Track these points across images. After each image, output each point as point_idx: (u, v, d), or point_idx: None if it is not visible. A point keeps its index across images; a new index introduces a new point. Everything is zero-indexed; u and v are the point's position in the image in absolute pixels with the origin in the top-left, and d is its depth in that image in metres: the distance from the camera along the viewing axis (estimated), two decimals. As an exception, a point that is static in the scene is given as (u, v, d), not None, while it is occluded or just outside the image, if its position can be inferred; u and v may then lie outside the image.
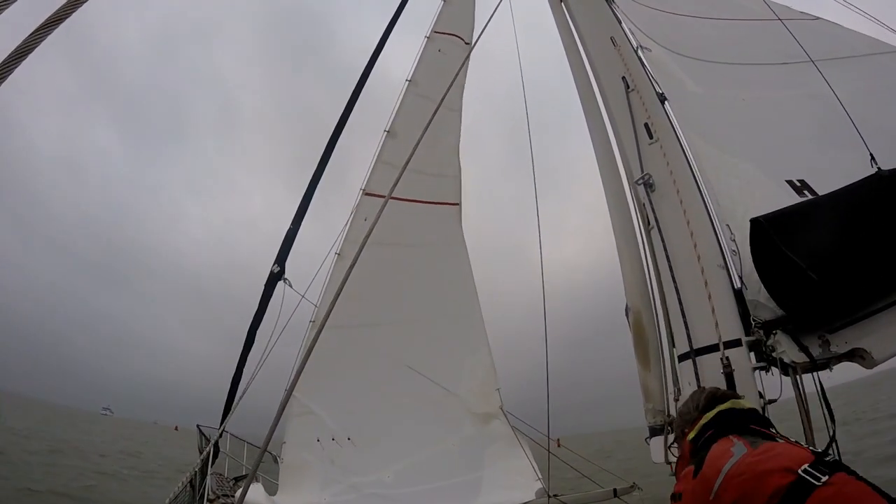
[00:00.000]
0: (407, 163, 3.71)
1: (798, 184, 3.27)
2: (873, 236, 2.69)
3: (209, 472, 8.07)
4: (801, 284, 2.66)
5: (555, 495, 6.32)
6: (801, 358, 2.62)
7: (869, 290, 2.65)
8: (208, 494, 7.79)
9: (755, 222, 2.80)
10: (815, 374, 2.68)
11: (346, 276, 2.99)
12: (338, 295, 2.78)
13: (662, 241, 3.11)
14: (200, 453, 8.30)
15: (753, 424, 2.27)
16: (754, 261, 2.83)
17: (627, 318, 3.46)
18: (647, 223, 3.39)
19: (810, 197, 3.16)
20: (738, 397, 2.29)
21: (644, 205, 3.46)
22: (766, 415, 2.50)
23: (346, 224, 8.97)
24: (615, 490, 7.15)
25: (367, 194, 9.11)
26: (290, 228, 8.65)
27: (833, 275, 2.66)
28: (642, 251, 3.53)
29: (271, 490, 8.32)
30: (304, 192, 8.66)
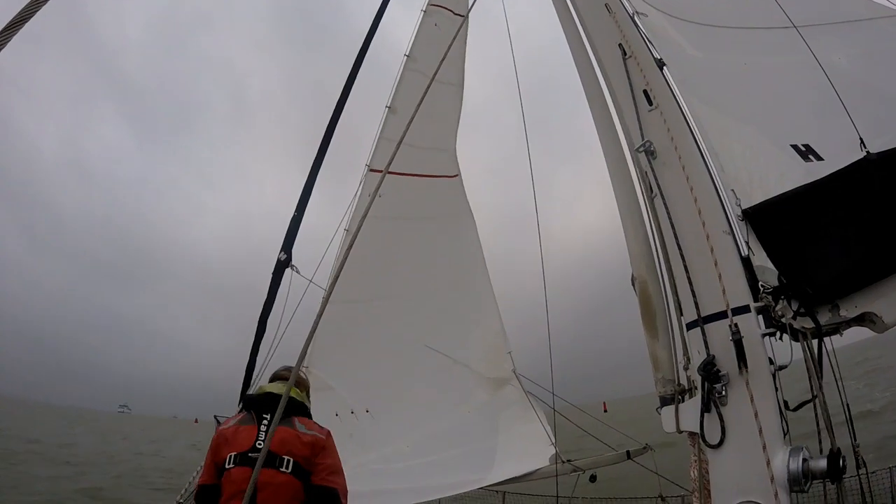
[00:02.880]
0: (402, 138, 3.71)
1: (803, 148, 3.25)
2: (868, 221, 2.71)
3: None
4: (803, 263, 2.68)
5: (568, 460, 6.41)
6: (809, 323, 2.63)
7: (869, 267, 2.66)
8: None
9: (748, 213, 2.83)
10: (817, 339, 2.69)
11: (348, 248, 3.02)
12: (341, 266, 2.80)
13: (666, 208, 3.10)
14: None
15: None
16: (759, 240, 2.83)
17: (634, 287, 3.48)
18: (649, 191, 3.37)
19: (815, 161, 3.15)
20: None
21: (646, 173, 3.43)
22: (777, 381, 2.53)
23: (353, 201, 8.99)
24: (628, 452, 7.23)
25: (372, 170, 9.12)
26: (294, 215, 8.67)
27: (830, 256, 2.68)
28: (646, 220, 3.53)
29: None
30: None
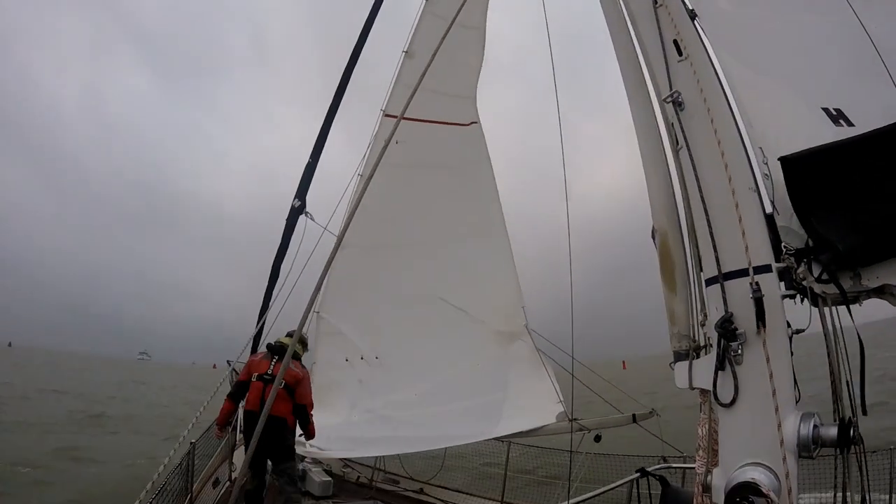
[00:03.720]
0: (418, 83, 3.59)
1: (834, 112, 3.11)
2: None
3: (240, 405, 8.39)
4: (829, 226, 2.58)
5: (575, 419, 6.45)
6: (830, 289, 2.55)
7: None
8: (240, 426, 8.12)
9: (785, 161, 2.71)
10: (831, 308, 2.61)
11: (360, 194, 2.96)
12: (353, 212, 2.74)
13: (692, 161, 2.98)
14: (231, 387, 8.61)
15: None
16: (789, 195, 2.72)
17: (654, 240, 3.40)
18: (675, 143, 3.25)
19: (846, 126, 3.02)
20: None
21: (672, 124, 3.31)
22: (791, 345, 2.48)
23: (368, 147, 8.92)
24: (634, 416, 7.27)
25: (388, 116, 9.01)
26: (308, 162, 8.64)
27: (858, 221, 2.58)
28: (670, 172, 3.43)
29: None
30: (328, 125, 8.62)
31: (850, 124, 3.06)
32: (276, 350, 6.58)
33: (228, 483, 7.68)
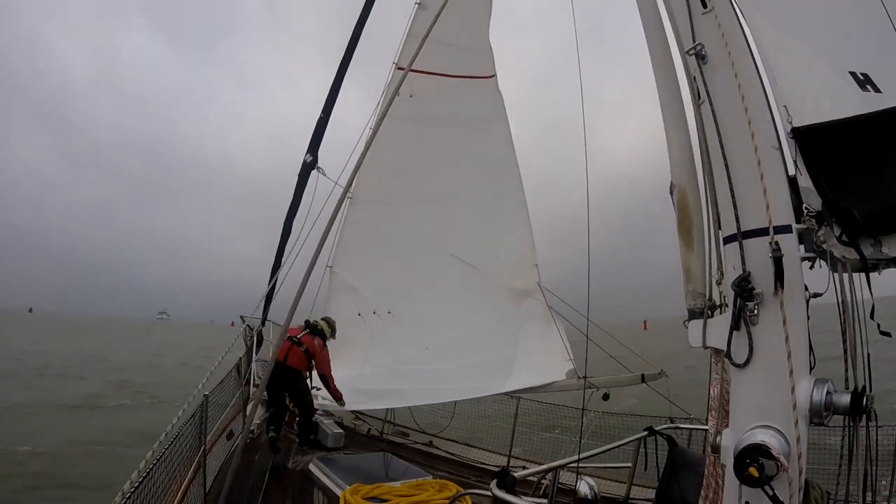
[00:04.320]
0: (427, 34, 3.49)
1: (861, 77, 2.98)
2: None
3: (254, 359, 8.49)
4: (852, 191, 2.50)
5: (584, 377, 6.46)
6: (850, 254, 2.48)
7: None
8: (254, 380, 8.25)
9: (797, 132, 2.61)
10: (850, 275, 2.55)
11: (367, 146, 2.89)
12: (359, 163, 2.68)
13: (714, 115, 2.88)
14: (246, 343, 8.71)
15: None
16: (805, 165, 2.64)
17: (672, 196, 3.32)
18: (696, 97, 3.14)
19: (872, 92, 2.90)
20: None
21: (694, 78, 3.19)
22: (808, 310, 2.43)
23: (380, 100, 8.78)
24: (643, 376, 7.29)
25: (399, 69, 8.83)
26: (320, 117, 8.54)
27: (884, 188, 2.49)
28: (691, 127, 3.33)
29: None
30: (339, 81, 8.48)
31: (876, 90, 2.95)
32: (309, 325, 8.28)
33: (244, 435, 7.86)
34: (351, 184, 3.28)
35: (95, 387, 22.50)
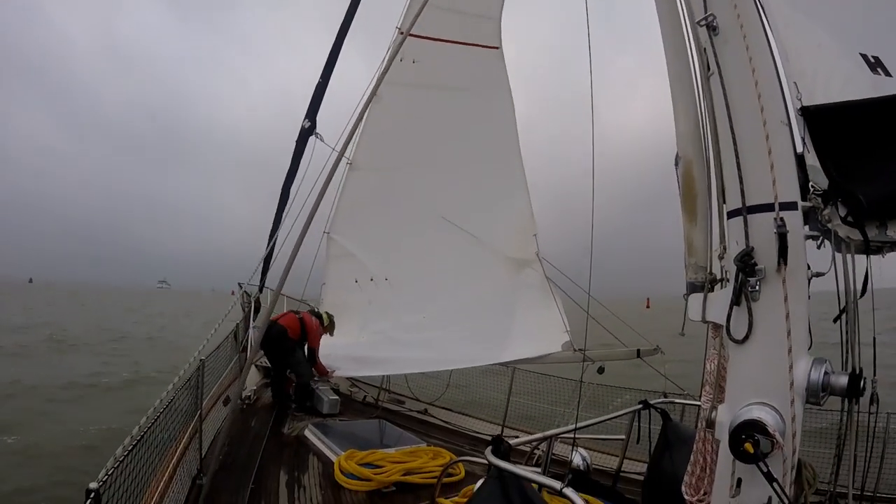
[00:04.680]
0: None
1: (872, 59, 2.92)
2: None
3: (251, 326, 8.51)
4: (860, 173, 2.47)
5: (580, 349, 6.47)
6: (855, 235, 2.45)
7: None
8: (251, 346, 8.30)
9: (809, 110, 2.56)
10: (853, 256, 2.53)
11: (363, 108, 2.83)
12: (355, 126, 2.63)
13: (723, 88, 2.82)
14: (243, 310, 8.73)
15: None
16: (813, 144, 2.60)
17: (676, 168, 3.28)
18: (706, 69, 3.08)
19: (883, 75, 2.85)
20: None
21: (704, 49, 3.12)
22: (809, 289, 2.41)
23: (382, 64, 8.68)
24: (638, 351, 7.31)
25: (403, 33, 8.70)
26: (319, 82, 8.41)
27: (892, 172, 2.46)
28: (698, 99, 3.28)
29: None
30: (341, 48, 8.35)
31: (887, 74, 2.89)
32: (314, 312, 8.92)
33: (240, 401, 7.90)
34: (346, 148, 3.22)
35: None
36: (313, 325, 8.52)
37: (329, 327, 8.86)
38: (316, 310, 9.09)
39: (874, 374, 2.52)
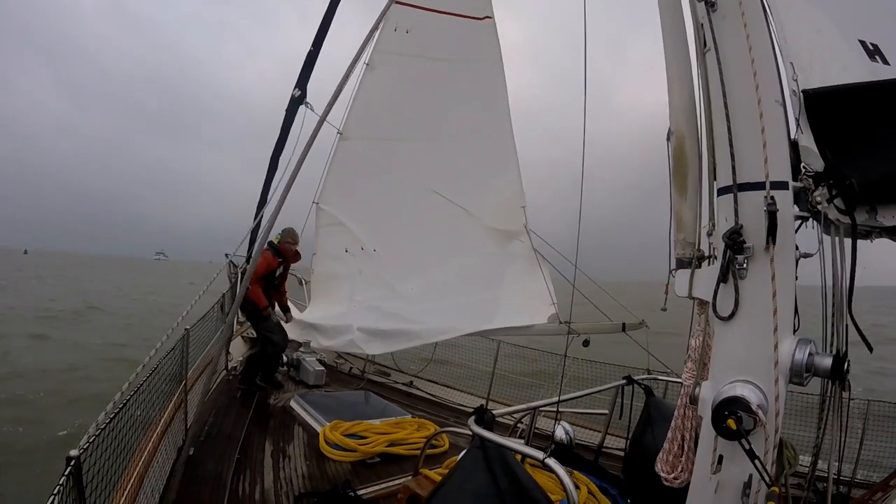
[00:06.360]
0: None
1: (871, 47, 2.90)
2: None
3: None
4: (853, 157, 2.46)
5: (566, 322, 6.49)
6: (844, 218, 2.46)
7: None
8: (238, 317, 8.26)
9: (806, 94, 2.55)
10: (842, 239, 2.54)
11: (346, 75, 2.78)
12: (338, 92, 2.57)
13: (719, 65, 2.80)
14: (229, 280, 8.69)
15: None
16: (811, 128, 2.58)
17: (668, 143, 3.27)
18: (702, 44, 3.05)
19: (881, 63, 2.83)
20: None
21: (702, 24, 3.09)
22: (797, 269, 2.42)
23: (375, 33, 8.56)
24: (624, 325, 7.35)
25: (398, 3, 8.57)
26: (310, 50, 8.28)
27: (886, 158, 2.45)
28: (693, 75, 3.25)
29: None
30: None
31: (885, 62, 2.88)
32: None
33: (224, 372, 7.89)
34: (328, 113, 3.15)
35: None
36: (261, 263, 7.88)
37: (288, 237, 8.58)
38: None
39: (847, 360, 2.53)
